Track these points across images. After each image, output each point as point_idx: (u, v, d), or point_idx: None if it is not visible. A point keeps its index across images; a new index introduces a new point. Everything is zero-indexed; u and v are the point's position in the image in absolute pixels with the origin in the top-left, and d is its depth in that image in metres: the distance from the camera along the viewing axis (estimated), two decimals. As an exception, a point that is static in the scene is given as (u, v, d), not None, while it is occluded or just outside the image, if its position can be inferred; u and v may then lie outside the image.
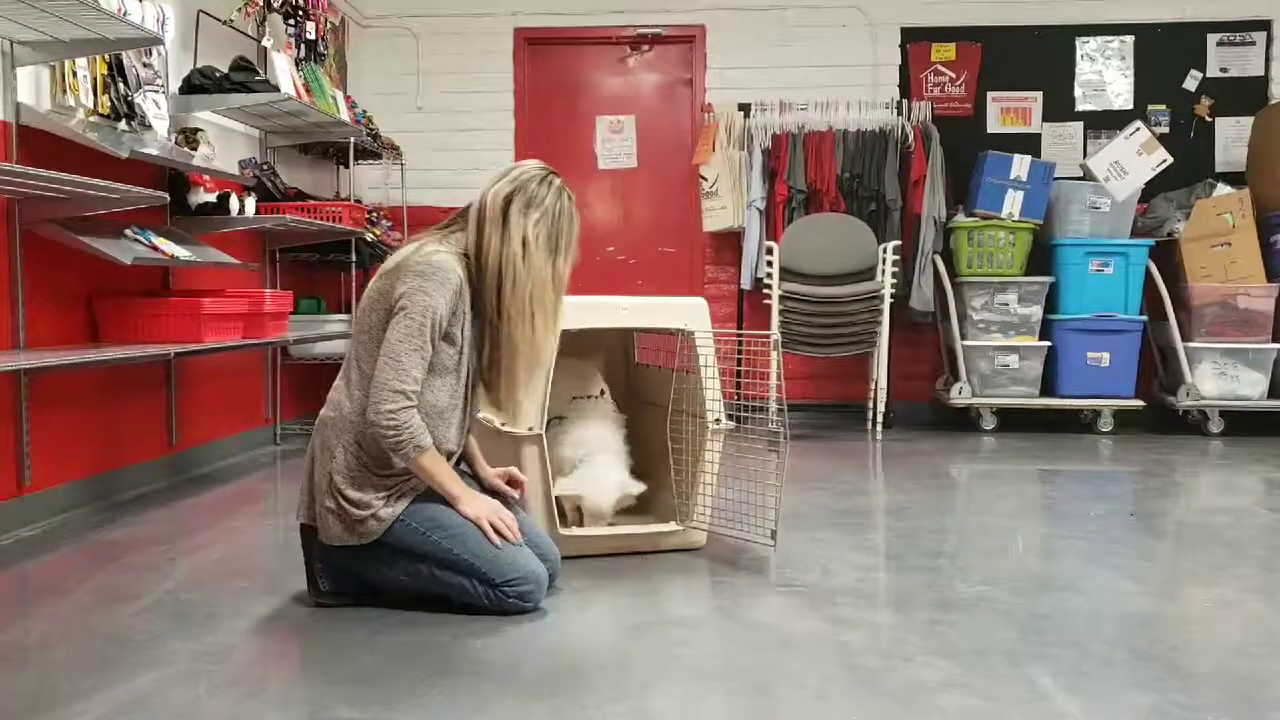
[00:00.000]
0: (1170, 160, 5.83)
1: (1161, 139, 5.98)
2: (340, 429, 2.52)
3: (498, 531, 2.52)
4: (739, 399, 3.17)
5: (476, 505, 2.54)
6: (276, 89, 4.64)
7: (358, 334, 2.58)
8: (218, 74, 4.50)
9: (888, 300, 5.67)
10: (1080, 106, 6.48)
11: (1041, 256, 5.97)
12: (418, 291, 2.46)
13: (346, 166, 5.90)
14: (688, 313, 3.18)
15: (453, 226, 2.65)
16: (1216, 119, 6.40)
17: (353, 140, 5.56)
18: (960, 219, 6.00)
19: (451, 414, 2.59)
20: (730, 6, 6.55)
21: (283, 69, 4.82)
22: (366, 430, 2.48)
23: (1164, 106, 6.43)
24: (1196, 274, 5.78)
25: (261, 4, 5.11)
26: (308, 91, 5.12)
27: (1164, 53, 6.42)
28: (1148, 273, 5.79)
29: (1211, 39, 6.39)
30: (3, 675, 2.18)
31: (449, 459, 2.62)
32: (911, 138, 6.21)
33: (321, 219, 5.05)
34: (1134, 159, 5.86)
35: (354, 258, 5.41)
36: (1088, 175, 5.97)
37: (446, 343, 2.53)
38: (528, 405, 2.97)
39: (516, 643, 2.36)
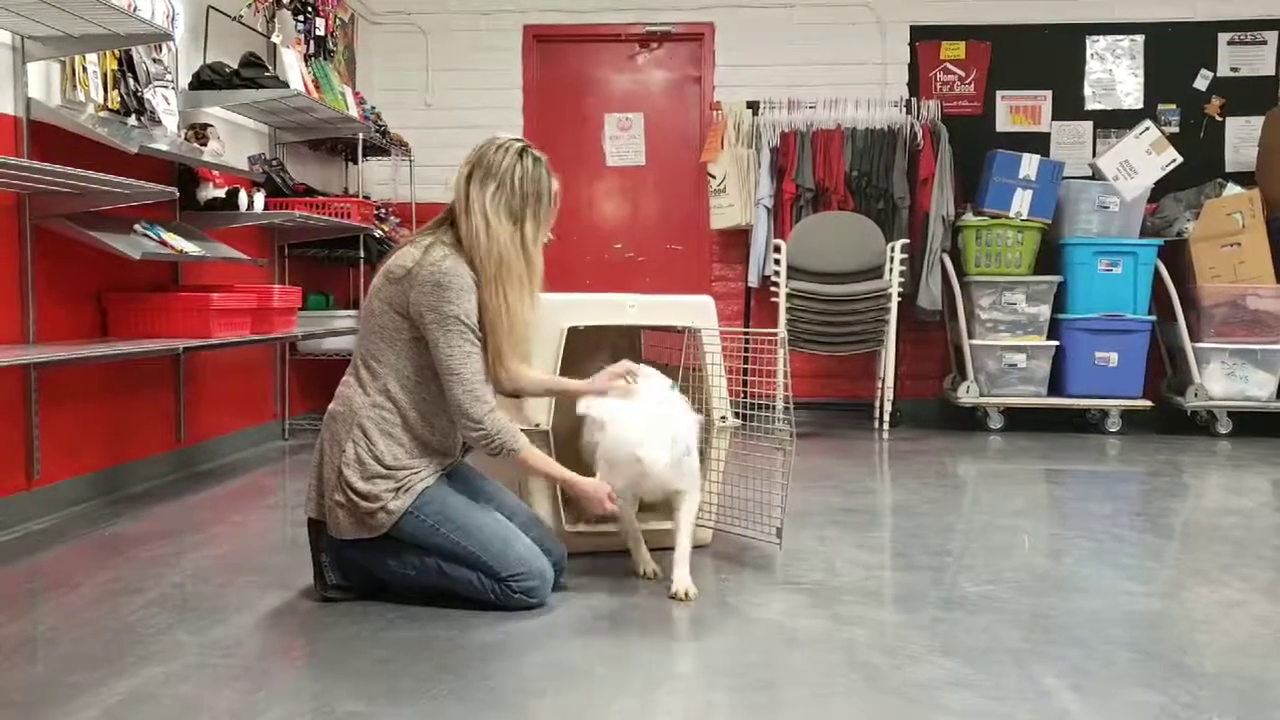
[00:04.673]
0: (1180, 160, 5.81)
1: (1171, 138, 5.95)
2: (349, 423, 2.54)
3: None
4: (746, 397, 3.17)
5: (587, 482, 2.63)
6: (286, 85, 4.65)
7: (367, 333, 2.59)
8: (227, 70, 4.51)
9: (895, 299, 5.67)
10: (1090, 105, 6.46)
11: (1050, 256, 5.96)
12: (443, 303, 2.50)
13: (355, 163, 5.91)
14: (695, 311, 3.18)
15: (446, 220, 2.67)
16: (1227, 119, 6.38)
17: (361, 136, 5.57)
18: (968, 218, 5.99)
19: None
20: (739, 4, 6.54)
21: (292, 65, 4.83)
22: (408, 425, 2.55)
23: (1174, 106, 6.41)
24: (1205, 274, 5.76)
25: (271, 0, 5.13)
26: (317, 88, 5.13)
27: (1174, 52, 6.40)
28: (1156, 272, 5.78)
29: (1222, 38, 6.37)
30: (11, 667, 2.19)
31: (459, 449, 2.66)
32: (920, 136, 6.19)
33: (330, 215, 5.07)
34: (1143, 158, 5.83)
35: (362, 254, 5.42)
36: (1097, 174, 5.95)
37: None
38: (533, 401, 2.97)
39: (521, 638, 2.36)
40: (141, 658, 2.23)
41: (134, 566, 2.96)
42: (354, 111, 5.46)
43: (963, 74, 6.47)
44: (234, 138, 4.82)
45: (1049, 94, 6.47)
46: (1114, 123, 6.38)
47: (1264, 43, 6.36)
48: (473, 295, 2.54)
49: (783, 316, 5.66)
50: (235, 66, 4.56)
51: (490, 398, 2.55)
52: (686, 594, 2.64)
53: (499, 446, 2.53)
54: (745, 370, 3.23)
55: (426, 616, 2.49)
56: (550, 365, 2.99)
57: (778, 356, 3.14)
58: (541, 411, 2.99)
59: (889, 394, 5.79)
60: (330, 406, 2.61)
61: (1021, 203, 5.84)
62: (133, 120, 3.88)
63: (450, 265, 2.52)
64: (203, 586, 2.78)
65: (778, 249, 5.81)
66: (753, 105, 6.42)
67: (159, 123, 4.00)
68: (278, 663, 2.26)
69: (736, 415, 3.20)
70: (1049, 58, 6.44)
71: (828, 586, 2.79)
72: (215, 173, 4.40)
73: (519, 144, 2.66)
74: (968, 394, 5.84)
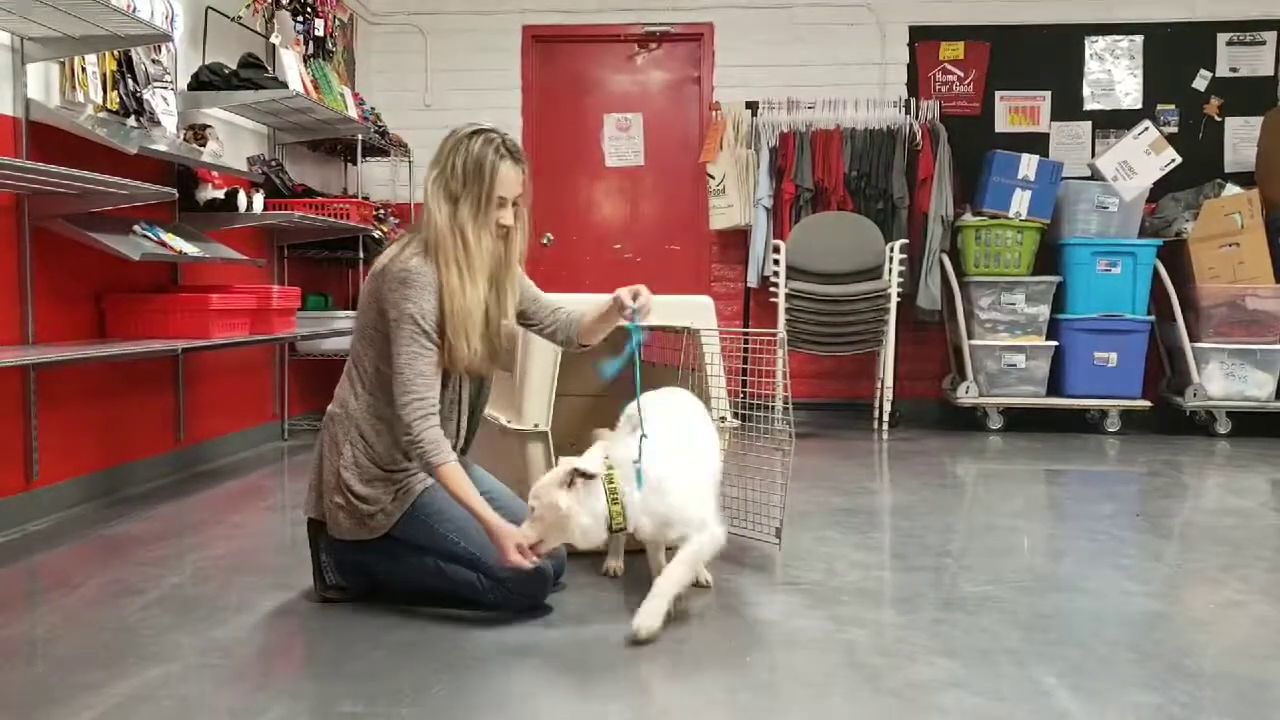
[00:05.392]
0: (1178, 160, 5.81)
1: (1170, 139, 5.96)
2: (347, 426, 2.54)
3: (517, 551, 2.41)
4: (745, 397, 3.17)
5: (501, 525, 2.43)
6: (285, 86, 4.65)
7: (356, 332, 2.60)
8: (226, 71, 4.51)
9: (894, 299, 5.67)
10: (1089, 106, 6.46)
11: (1049, 256, 5.96)
12: (403, 300, 2.47)
13: (354, 163, 5.91)
14: (694, 311, 3.19)
15: None
16: (1226, 119, 6.38)
17: (360, 137, 5.57)
18: (967, 218, 5.99)
19: (449, 411, 2.61)
20: (739, 5, 6.54)
21: (291, 66, 4.83)
22: (375, 427, 2.52)
23: (1173, 106, 6.41)
24: (1204, 274, 5.77)
25: (270, 1, 5.12)
26: (316, 88, 5.13)
27: (1173, 52, 6.40)
28: (1155, 273, 5.78)
29: (1221, 38, 6.37)
30: (11, 668, 2.19)
31: (454, 444, 2.63)
32: (919, 136, 6.20)
33: (329, 216, 5.07)
34: (1142, 159, 5.84)
35: (361, 254, 5.42)
36: (1096, 175, 5.95)
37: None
38: (534, 402, 2.97)
39: (520, 639, 2.36)
40: (141, 658, 2.23)
41: (133, 567, 2.96)
42: (353, 112, 5.46)
43: (962, 74, 6.47)
44: (233, 138, 4.81)
45: (1048, 94, 6.47)
46: (1113, 123, 6.38)
47: (1263, 43, 6.36)
48: (435, 294, 2.50)
49: (782, 317, 5.66)
50: (234, 67, 4.56)
51: (429, 407, 2.45)
52: (641, 633, 2.30)
53: (420, 456, 2.43)
54: (745, 370, 3.23)
55: (426, 617, 2.49)
56: (550, 365, 2.99)
57: (777, 357, 3.14)
58: (541, 413, 2.99)
59: (888, 394, 5.79)
60: (329, 408, 2.62)
61: (1020, 203, 5.84)
62: (132, 121, 3.88)
63: (416, 263, 2.50)
64: (202, 587, 2.78)
65: (777, 249, 5.81)
66: (752, 105, 6.42)
67: (158, 123, 4.00)
68: (277, 663, 2.26)
69: (736, 415, 3.20)
70: (1048, 58, 6.44)
71: (827, 587, 2.79)
72: (214, 173, 4.40)
73: (473, 127, 2.59)
74: (967, 394, 5.84)
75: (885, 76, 6.48)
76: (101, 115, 3.76)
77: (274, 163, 5.18)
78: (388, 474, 2.52)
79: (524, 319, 2.78)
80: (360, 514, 2.52)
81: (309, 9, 5.48)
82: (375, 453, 2.52)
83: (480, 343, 2.56)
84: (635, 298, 2.59)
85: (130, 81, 3.90)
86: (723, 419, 3.14)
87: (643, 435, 2.45)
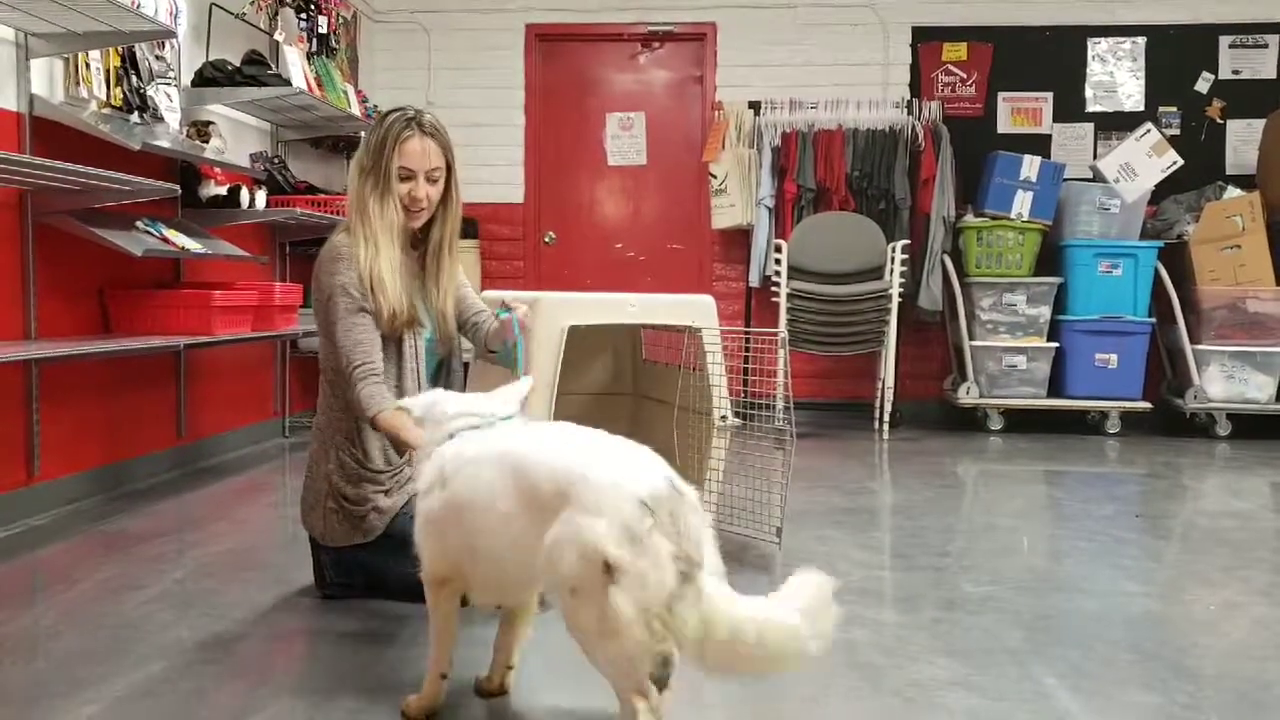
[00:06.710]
0: (1180, 162, 5.81)
1: (1172, 141, 5.96)
2: (330, 432, 2.56)
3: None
4: (746, 396, 3.17)
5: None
6: (288, 83, 4.65)
7: (320, 332, 2.61)
8: (230, 67, 4.51)
9: (896, 299, 5.67)
10: (1091, 107, 6.46)
11: (1050, 257, 5.96)
12: (332, 275, 2.51)
13: (356, 161, 5.91)
14: (695, 310, 3.19)
15: None
16: (1228, 121, 6.38)
17: (363, 134, 5.57)
18: (969, 219, 6.00)
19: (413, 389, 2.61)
20: (742, 4, 6.54)
21: (294, 63, 4.83)
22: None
23: (1175, 108, 6.41)
24: (1205, 276, 5.77)
25: (274, -2, 5.13)
26: (319, 85, 5.13)
27: (1176, 54, 6.40)
28: (1156, 275, 5.78)
29: (1224, 41, 6.37)
30: (13, 663, 2.19)
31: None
32: (921, 137, 6.19)
33: (331, 213, 5.06)
34: (1144, 160, 5.84)
35: (363, 252, 5.41)
36: (1098, 176, 5.95)
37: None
38: (533, 400, 2.97)
39: (522, 636, 2.36)
40: (143, 654, 2.23)
41: (135, 563, 2.97)
42: (356, 109, 5.46)
43: (964, 75, 6.47)
44: (236, 135, 4.82)
45: (1050, 96, 6.47)
46: (1115, 125, 6.38)
47: (1265, 46, 6.36)
48: (355, 264, 2.50)
49: (783, 316, 5.66)
50: (238, 64, 4.57)
51: (368, 370, 2.43)
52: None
53: (360, 414, 2.43)
54: (746, 370, 3.23)
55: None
56: (551, 364, 2.99)
57: (778, 356, 3.14)
58: (543, 411, 2.99)
59: (889, 395, 5.79)
60: (315, 420, 2.65)
61: (1022, 204, 5.84)
62: (135, 117, 3.88)
63: (342, 238, 2.55)
64: (204, 583, 2.79)
65: (779, 249, 5.81)
66: (754, 105, 6.42)
67: (161, 120, 4.00)
68: (278, 659, 2.26)
69: (736, 415, 3.20)
70: (1050, 59, 6.44)
71: (828, 586, 2.79)
72: (217, 170, 4.40)
73: (395, 107, 2.62)
74: (968, 395, 5.84)
75: (888, 77, 6.48)
76: (105, 111, 3.76)
77: (277, 159, 5.18)
78: (375, 474, 2.54)
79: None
80: (354, 517, 2.53)
81: (313, 6, 5.48)
82: (359, 454, 2.53)
83: (398, 302, 2.53)
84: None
85: (134, 77, 3.90)
86: (724, 418, 3.15)
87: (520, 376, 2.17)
